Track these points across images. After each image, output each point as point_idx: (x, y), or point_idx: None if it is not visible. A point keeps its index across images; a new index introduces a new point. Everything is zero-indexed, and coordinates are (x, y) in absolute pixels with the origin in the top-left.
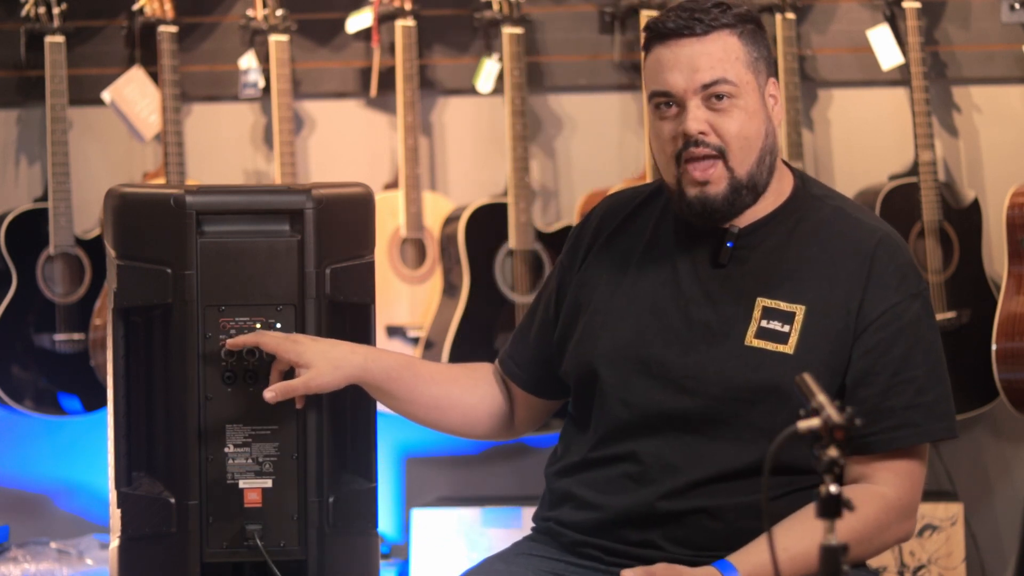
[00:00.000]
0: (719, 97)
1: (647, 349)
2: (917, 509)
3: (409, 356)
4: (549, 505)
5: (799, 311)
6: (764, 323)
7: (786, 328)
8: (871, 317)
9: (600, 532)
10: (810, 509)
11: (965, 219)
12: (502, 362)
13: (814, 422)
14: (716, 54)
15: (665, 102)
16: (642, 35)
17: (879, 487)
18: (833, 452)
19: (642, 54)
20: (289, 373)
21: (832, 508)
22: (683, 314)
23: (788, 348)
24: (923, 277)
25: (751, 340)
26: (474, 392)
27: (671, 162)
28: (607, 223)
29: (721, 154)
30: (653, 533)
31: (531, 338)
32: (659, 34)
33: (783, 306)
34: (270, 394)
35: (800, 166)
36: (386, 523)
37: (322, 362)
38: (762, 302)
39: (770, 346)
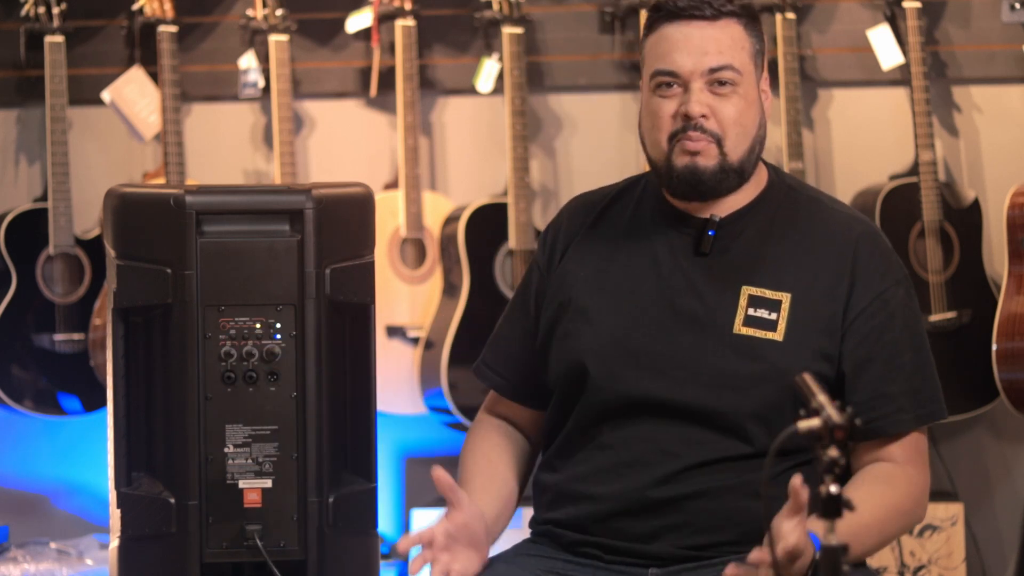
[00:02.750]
0: (722, 83)
1: (635, 341)
2: (929, 487)
3: (483, 482)
4: (544, 507)
5: (785, 299)
6: (751, 311)
7: (773, 316)
8: (861, 305)
9: (597, 528)
10: (860, 477)
11: (965, 219)
12: (481, 371)
13: (814, 422)
14: (724, 40)
15: (667, 82)
16: (643, 15)
17: (900, 465)
18: (833, 452)
19: (642, 33)
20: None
21: (832, 508)
22: (668, 304)
23: (777, 335)
24: (902, 264)
25: (740, 328)
26: (517, 456)
27: (664, 140)
28: (577, 221)
29: (717, 141)
30: (650, 523)
31: (514, 345)
32: (668, 13)
33: (768, 294)
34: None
35: (800, 166)
36: (386, 523)
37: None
38: (748, 290)
39: (759, 333)
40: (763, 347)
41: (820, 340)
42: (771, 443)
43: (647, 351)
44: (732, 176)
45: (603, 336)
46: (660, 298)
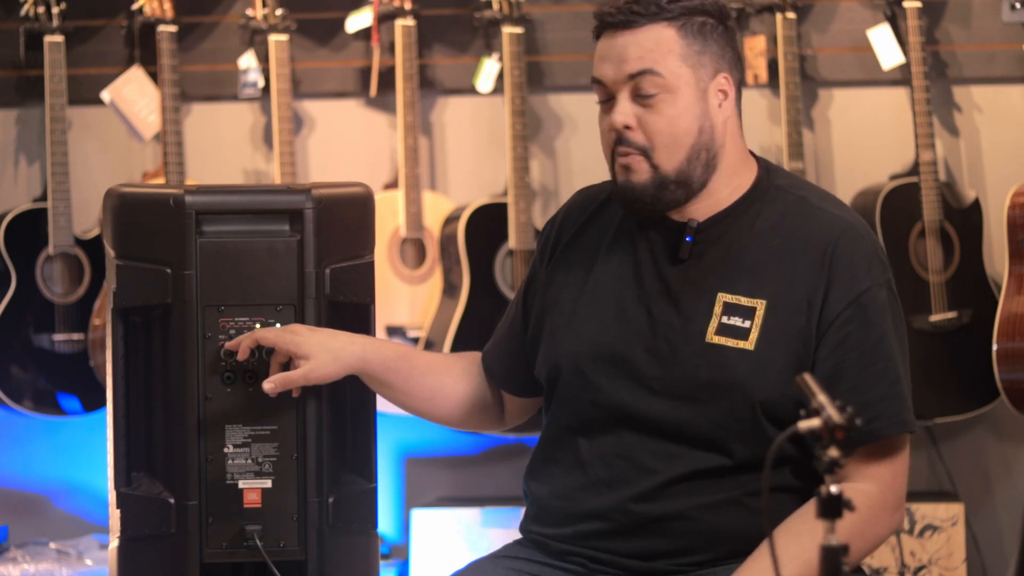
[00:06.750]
0: (648, 93)
1: (613, 349)
2: (903, 500)
3: (404, 346)
4: (532, 516)
5: (760, 306)
6: (725, 319)
7: (747, 324)
8: (836, 310)
9: (581, 543)
10: (808, 511)
11: (966, 219)
12: (484, 356)
13: (814, 422)
14: (646, 45)
15: (601, 91)
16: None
17: (861, 484)
18: (833, 452)
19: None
20: (287, 365)
21: (833, 508)
22: (646, 312)
23: (748, 344)
24: (887, 265)
25: (712, 337)
26: (468, 383)
27: (608, 153)
28: (572, 219)
29: (644, 153)
30: (633, 544)
31: (508, 336)
32: (600, 24)
33: (744, 301)
34: (269, 385)
35: (800, 166)
36: (386, 523)
37: (321, 353)
38: (723, 297)
39: (730, 342)
40: (732, 357)
41: (794, 348)
42: (748, 454)
43: (625, 361)
44: (673, 188)
45: (582, 344)
46: (638, 306)
